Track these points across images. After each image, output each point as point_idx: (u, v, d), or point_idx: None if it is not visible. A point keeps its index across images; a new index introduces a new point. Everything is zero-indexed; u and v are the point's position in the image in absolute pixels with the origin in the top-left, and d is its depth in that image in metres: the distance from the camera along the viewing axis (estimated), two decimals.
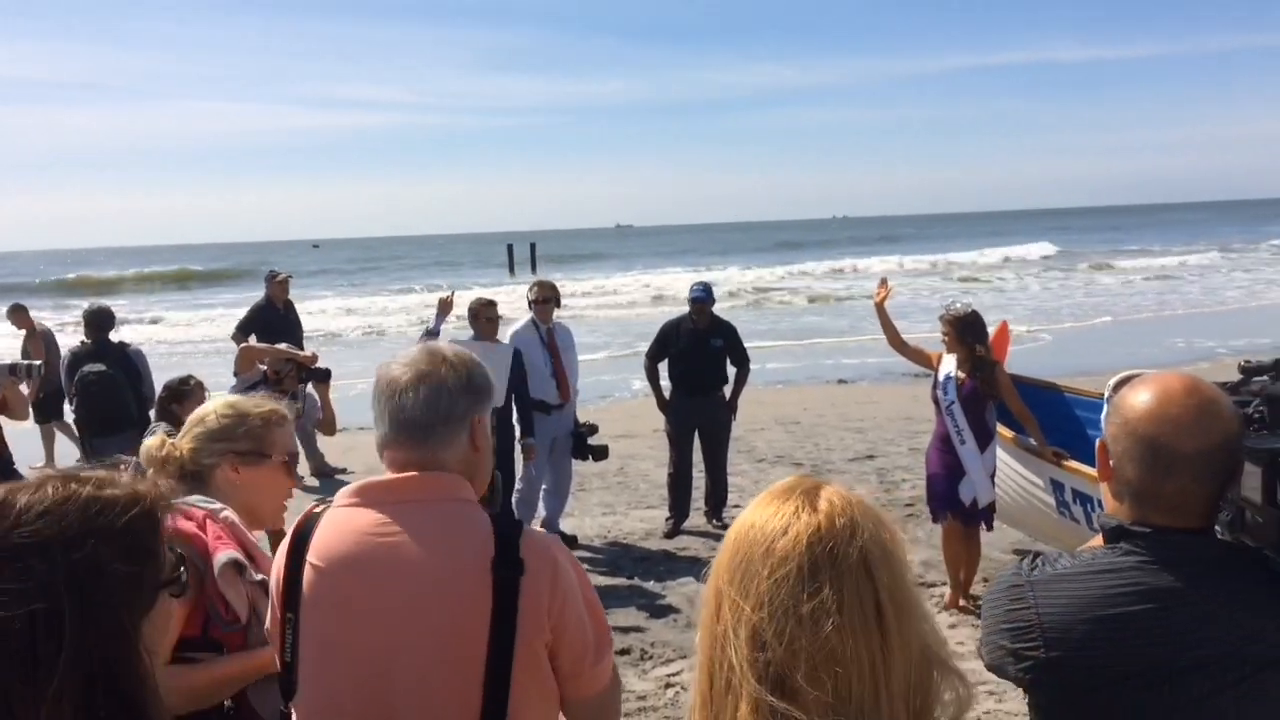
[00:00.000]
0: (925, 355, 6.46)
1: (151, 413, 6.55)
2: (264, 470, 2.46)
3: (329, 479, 10.17)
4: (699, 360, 8.13)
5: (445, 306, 7.49)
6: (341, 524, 1.85)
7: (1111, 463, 1.75)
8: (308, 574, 1.85)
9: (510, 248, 60.76)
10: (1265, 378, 1.99)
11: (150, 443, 2.51)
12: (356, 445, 11.61)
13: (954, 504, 6.18)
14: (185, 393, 6.03)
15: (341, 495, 1.89)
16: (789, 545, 1.20)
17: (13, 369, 5.77)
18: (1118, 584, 1.66)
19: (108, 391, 7.24)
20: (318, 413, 6.75)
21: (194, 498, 2.32)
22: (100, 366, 7.31)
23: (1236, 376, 2.03)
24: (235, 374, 6.52)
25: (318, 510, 1.93)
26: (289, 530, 1.95)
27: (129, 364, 7.58)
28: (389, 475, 1.88)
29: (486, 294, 8.86)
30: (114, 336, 7.87)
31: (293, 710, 1.89)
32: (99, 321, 7.72)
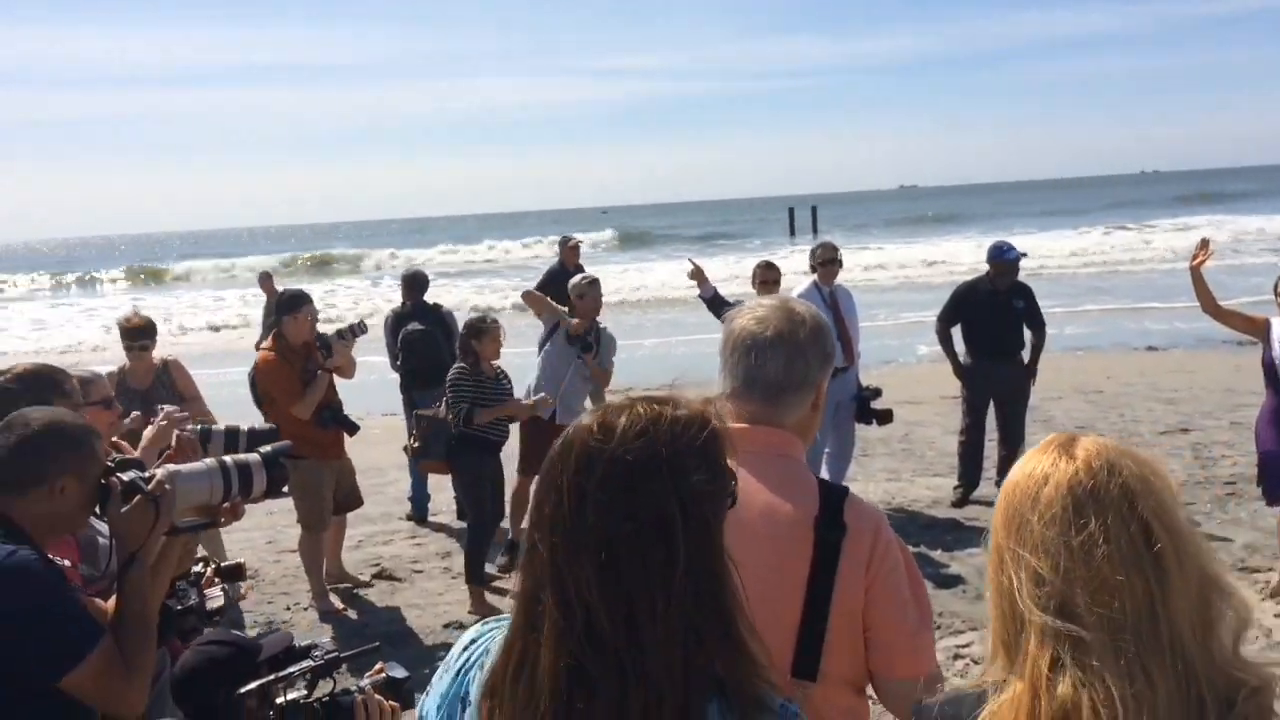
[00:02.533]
0: (1250, 320, 5.88)
1: None
2: None
3: None
4: (1002, 323, 7.77)
5: (697, 274, 7.57)
6: None
7: None
8: None
9: (791, 211, 60.45)
10: None
11: None
12: None
13: None
14: (484, 330, 6.50)
15: None
16: (1052, 492, 1.28)
17: (341, 334, 6.37)
18: None
19: (428, 348, 7.87)
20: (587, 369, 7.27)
21: None
22: (419, 325, 7.96)
23: None
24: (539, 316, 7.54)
25: None
26: None
27: (443, 323, 8.20)
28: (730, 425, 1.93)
29: (767, 257, 8.89)
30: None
31: None
32: (415, 284, 8.40)
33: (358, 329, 6.52)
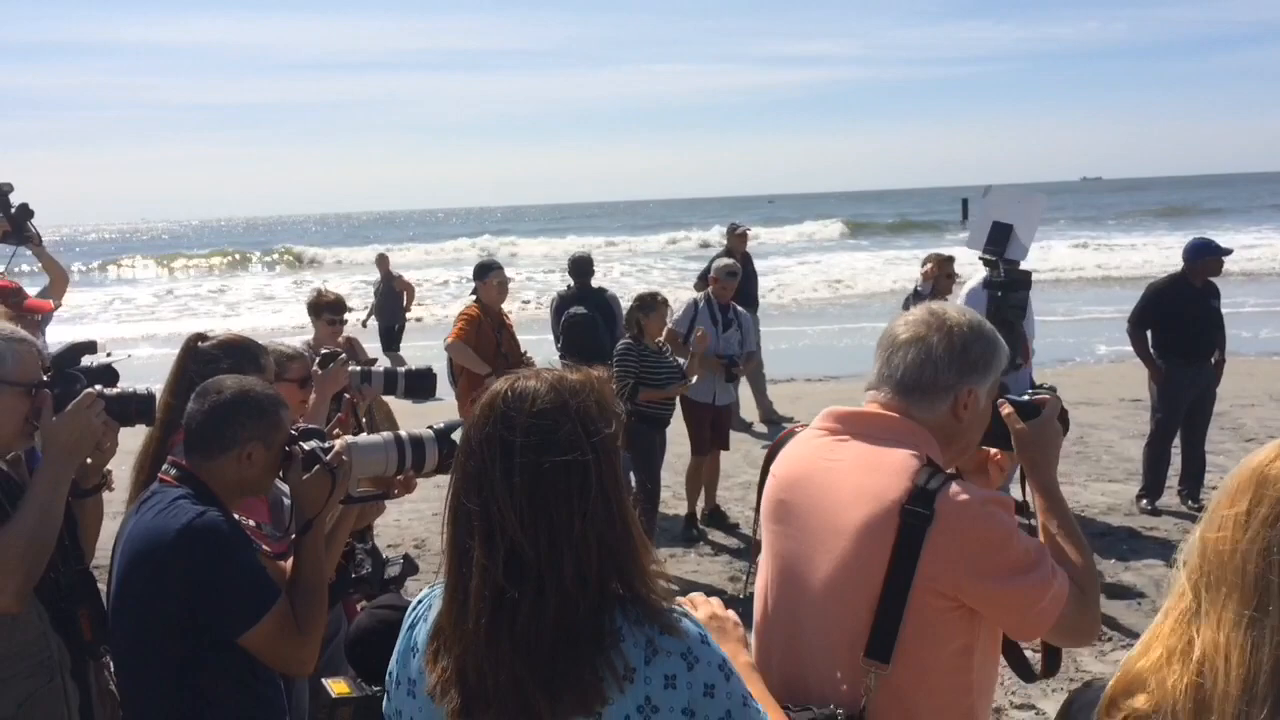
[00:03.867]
0: None
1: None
2: None
3: (775, 426, 10.51)
4: (1201, 324, 7.35)
5: (928, 275, 7.60)
6: (801, 443, 2.08)
7: None
8: (769, 482, 2.10)
9: (965, 202, 58.51)
10: None
11: None
12: (804, 395, 11.91)
13: None
14: (653, 306, 6.80)
15: (816, 419, 2.07)
16: (1241, 471, 1.25)
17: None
18: None
19: (587, 332, 7.98)
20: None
21: None
22: (582, 309, 8.06)
23: None
24: None
25: (796, 430, 2.13)
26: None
27: (606, 307, 8.30)
28: (855, 408, 2.03)
29: (942, 251, 8.63)
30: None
31: None
32: (581, 268, 8.51)
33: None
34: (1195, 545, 1.26)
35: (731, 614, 1.84)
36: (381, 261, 15.00)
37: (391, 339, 13.97)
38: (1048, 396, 2.08)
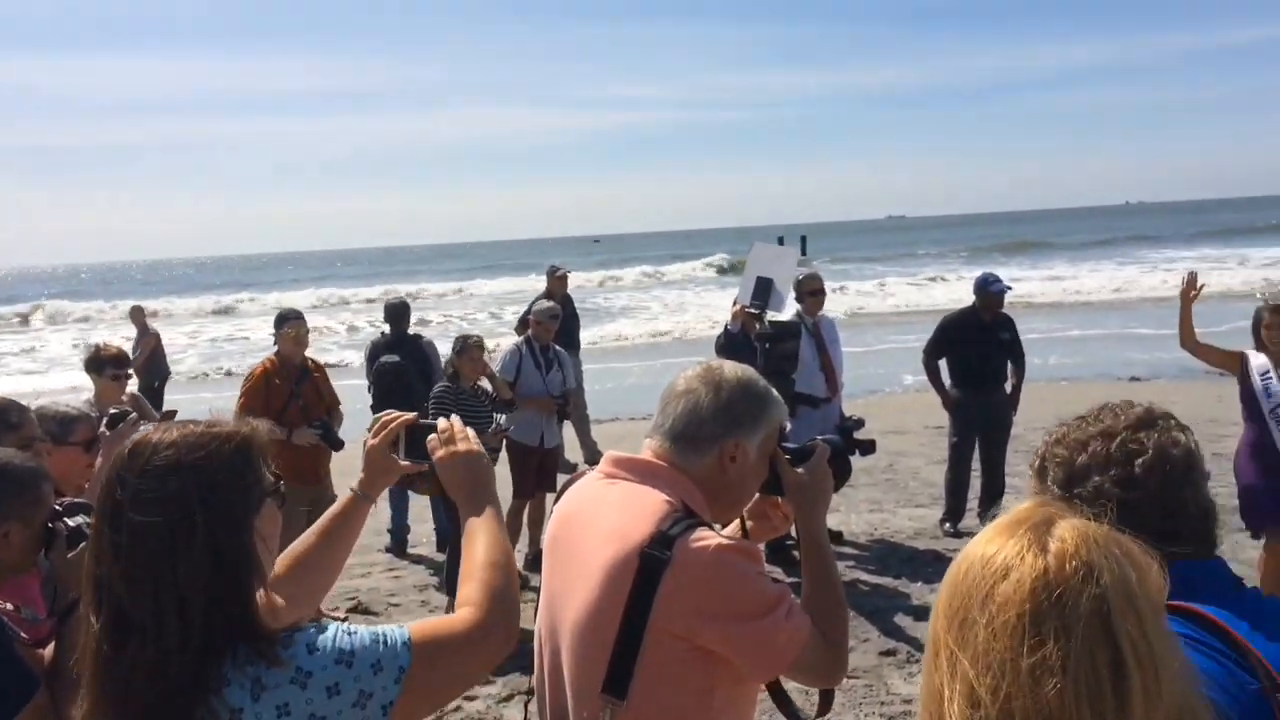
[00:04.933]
0: (1226, 355, 5.90)
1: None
2: None
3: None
4: (990, 356, 7.82)
5: (737, 315, 7.61)
6: (580, 484, 2.15)
7: None
8: (550, 520, 2.18)
9: (780, 240, 60.33)
10: None
11: None
12: (628, 435, 11.98)
13: (1277, 518, 5.58)
14: (464, 349, 6.77)
15: (600, 462, 2.14)
16: (1010, 591, 1.05)
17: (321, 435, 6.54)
18: None
19: (396, 381, 7.76)
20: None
21: None
22: (395, 357, 7.85)
23: None
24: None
25: (587, 472, 2.20)
26: None
27: (421, 354, 8.12)
28: (631, 454, 2.09)
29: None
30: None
31: None
32: (396, 314, 8.32)
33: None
34: (980, 709, 1.04)
35: (474, 443, 1.90)
36: (136, 314, 14.29)
37: (155, 397, 13.02)
38: (819, 443, 2.13)
